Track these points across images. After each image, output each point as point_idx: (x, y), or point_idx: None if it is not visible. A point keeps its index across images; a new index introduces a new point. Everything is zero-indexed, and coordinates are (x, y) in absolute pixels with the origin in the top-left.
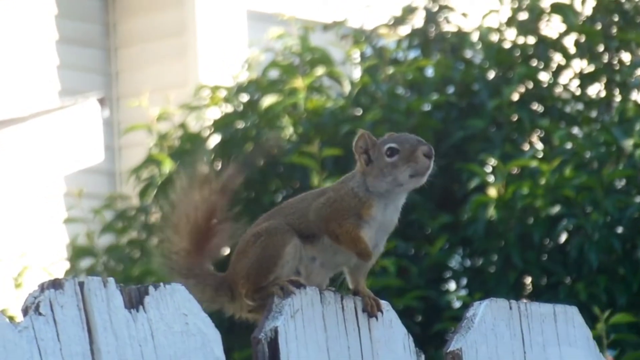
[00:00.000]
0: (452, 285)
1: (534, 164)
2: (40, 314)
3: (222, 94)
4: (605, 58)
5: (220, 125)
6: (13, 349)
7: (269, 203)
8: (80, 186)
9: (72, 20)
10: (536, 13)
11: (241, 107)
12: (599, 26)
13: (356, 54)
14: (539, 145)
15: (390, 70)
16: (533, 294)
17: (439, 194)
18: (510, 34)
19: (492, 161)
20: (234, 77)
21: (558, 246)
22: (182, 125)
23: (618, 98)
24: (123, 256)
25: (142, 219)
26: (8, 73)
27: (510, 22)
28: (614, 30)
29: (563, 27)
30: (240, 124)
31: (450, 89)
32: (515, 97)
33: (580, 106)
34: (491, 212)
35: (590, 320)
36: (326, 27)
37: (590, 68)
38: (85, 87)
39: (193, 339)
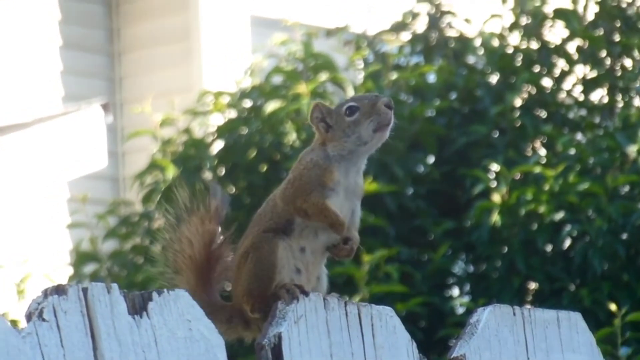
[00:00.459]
0: (455, 291)
1: (537, 169)
2: (43, 319)
3: (226, 99)
4: (608, 64)
5: (223, 130)
6: (17, 355)
7: None
8: (84, 192)
9: (76, 25)
10: (539, 18)
11: (245, 113)
12: (601, 32)
13: (359, 60)
14: (542, 151)
15: (394, 75)
16: (537, 300)
17: (443, 199)
18: (513, 40)
19: (496, 167)
20: (238, 83)
21: (562, 252)
22: (186, 131)
23: (621, 104)
24: (127, 262)
25: (145, 224)
26: (12, 78)
27: (513, 27)
28: (617, 35)
29: (566, 33)
30: (244, 130)
31: (453, 95)
32: (518, 102)
33: (583, 112)
34: (495, 218)
35: (594, 326)
36: (329, 33)
37: (593, 74)
38: (89, 92)
39: (197, 345)
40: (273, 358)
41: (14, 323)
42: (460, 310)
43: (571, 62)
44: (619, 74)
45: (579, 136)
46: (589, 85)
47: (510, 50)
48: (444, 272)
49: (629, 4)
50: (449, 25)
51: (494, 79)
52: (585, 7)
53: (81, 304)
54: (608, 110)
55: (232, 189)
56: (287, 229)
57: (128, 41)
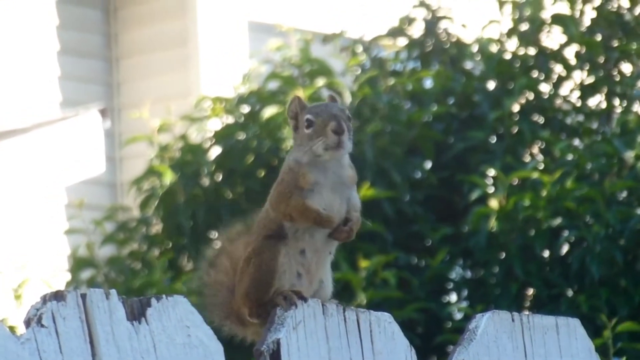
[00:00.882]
0: (453, 297)
1: (535, 175)
2: (42, 325)
3: (223, 105)
4: (606, 69)
5: (221, 136)
6: None
7: None
8: (81, 197)
9: (73, 31)
10: (537, 24)
11: (242, 119)
12: (599, 37)
13: (356, 67)
14: (540, 157)
15: (391, 81)
16: (534, 306)
17: (440, 205)
18: (511, 45)
19: (493, 172)
20: (235, 88)
21: (559, 258)
22: (183, 137)
23: (619, 109)
24: (124, 268)
25: (143, 230)
26: (9, 84)
27: (511, 33)
28: (615, 41)
29: (564, 38)
30: (241, 135)
31: (451, 101)
32: (516, 108)
33: (581, 117)
34: (492, 223)
35: (593, 332)
36: (325, 39)
37: (591, 79)
38: (87, 98)
39: (195, 351)
40: None
41: (12, 329)
42: (458, 316)
43: (569, 68)
44: (616, 79)
45: (577, 142)
46: (586, 90)
47: (508, 56)
48: (442, 278)
49: (627, 10)
50: (446, 31)
51: (491, 84)
52: (581, 13)
53: (80, 310)
54: (606, 116)
55: (230, 195)
56: (281, 234)
57: (126, 47)
